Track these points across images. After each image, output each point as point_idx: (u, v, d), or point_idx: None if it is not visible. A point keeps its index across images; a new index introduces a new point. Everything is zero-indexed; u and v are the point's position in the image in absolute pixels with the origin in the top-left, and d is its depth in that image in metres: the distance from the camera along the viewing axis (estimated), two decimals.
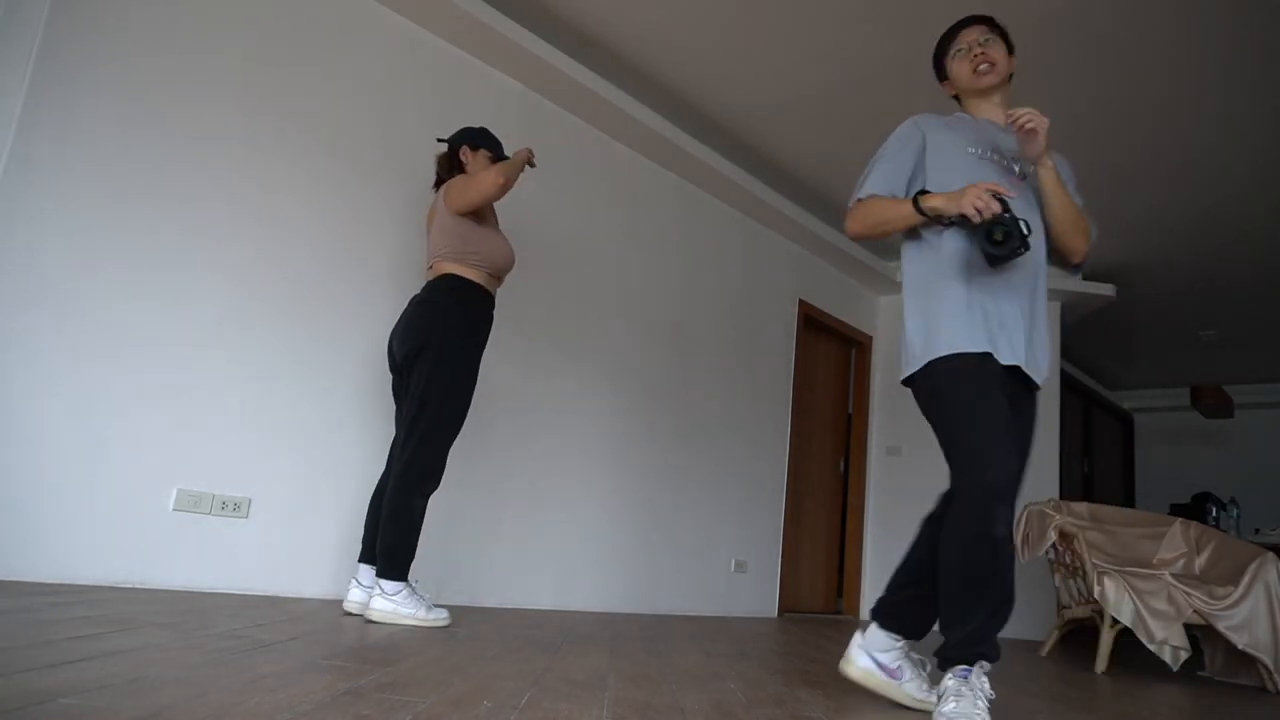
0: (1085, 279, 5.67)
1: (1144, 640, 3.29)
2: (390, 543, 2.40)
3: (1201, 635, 3.56)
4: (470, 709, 1.28)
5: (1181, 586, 3.36)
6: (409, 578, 2.43)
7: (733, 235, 4.79)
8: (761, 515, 4.80)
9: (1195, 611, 3.30)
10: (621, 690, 1.64)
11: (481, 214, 2.61)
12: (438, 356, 2.47)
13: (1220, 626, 3.26)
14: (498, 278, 2.65)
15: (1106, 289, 5.63)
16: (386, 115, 3.20)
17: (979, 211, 1.69)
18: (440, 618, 2.41)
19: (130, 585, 2.42)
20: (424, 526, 3.27)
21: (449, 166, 2.77)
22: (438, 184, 2.79)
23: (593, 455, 3.86)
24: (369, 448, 3.03)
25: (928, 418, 1.88)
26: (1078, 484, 7.02)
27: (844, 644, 2.07)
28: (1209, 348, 6.98)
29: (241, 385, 2.72)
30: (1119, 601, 3.36)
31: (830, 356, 5.79)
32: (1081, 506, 4.00)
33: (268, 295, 2.82)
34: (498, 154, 2.77)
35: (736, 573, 4.50)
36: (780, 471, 4.98)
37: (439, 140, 2.82)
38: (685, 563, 4.23)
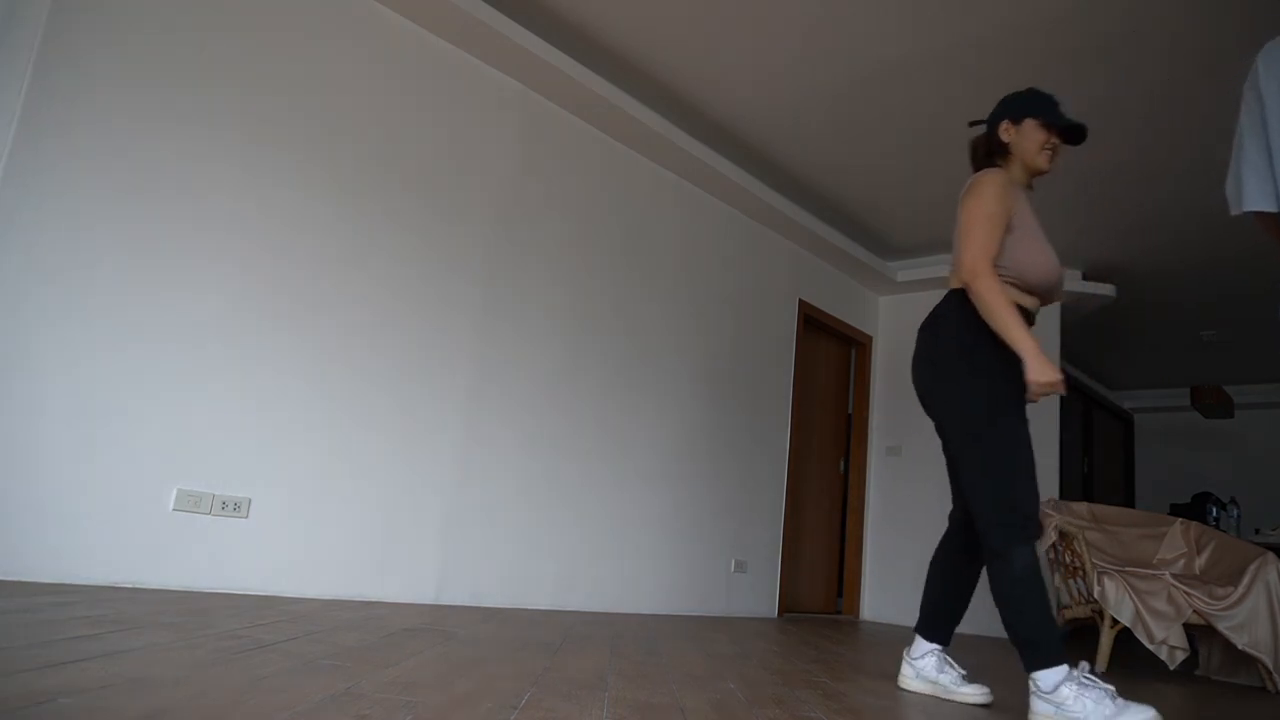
0: (1085, 279, 5.68)
1: (1143, 640, 3.29)
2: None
3: (1198, 635, 3.56)
4: (470, 709, 1.28)
5: (1181, 586, 3.36)
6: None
7: (733, 235, 4.79)
8: (761, 515, 4.80)
9: (1195, 612, 3.30)
10: (621, 690, 1.64)
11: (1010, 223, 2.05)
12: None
13: (1220, 627, 3.26)
14: (1034, 294, 2.10)
15: (1106, 289, 5.63)
16: (386, 115, 3.20)
17: None
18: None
19: (130, 585, 2.42)
20: (424, 527, 3.27)
21: (986, 151, 2.23)
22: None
23: (592, 455, 3.86)
24: (369, 447, 3.03)
25: None
26: (1078, 484, 7.02)
27: (844, 643, 2.06)
28: (1209, 348, 6.98)
29: (242, 385, 2.73)
30: (1119, 601, 3.37)
31: (830, 356, 5.79)
32: (1081, 506, 4.00)
33: (268, 295, 2.82)
34: (1049, 118, 2.11)
35: (736, 573, 4.51)
36: (780, 471, 4.98)
37: (971, 124, 2.32)
38: (685, 563, 4.23)
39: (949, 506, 5.49)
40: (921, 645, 2.26)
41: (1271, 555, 3.44)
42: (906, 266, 5.82)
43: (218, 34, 2.76)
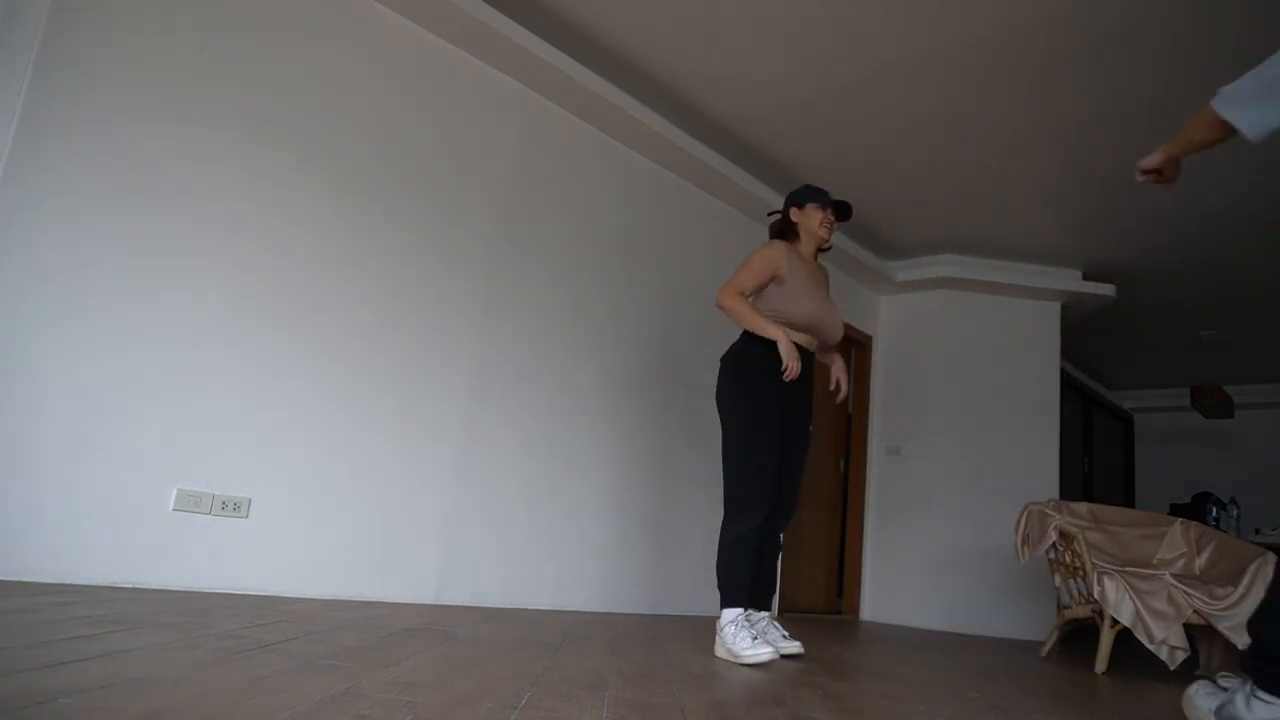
0: (1085, 279, 5.69)
1: (1144, 640, 3.29)
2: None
3: (1198, 635, 3.56)
4: (470, 709, 1.28)
5: (1181, 586, 3.36)
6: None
7: (733, 235, 4.78)
8: None
9: (1195, 612, 3.30)
10: (621, 690, 1.64)
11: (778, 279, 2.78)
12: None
13: (1220, 627, 3.26)
14: (803, 331, 2.78)
15: (1106, 289, 5.63)
16: (386, 115, 3.20)
17: None
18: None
19: (130, 585, 2.42)
20: (424, 527, 3.29)
21: (779, 232, 2.97)
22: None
23: (593, 455, 3.86)
24: (369, 447, 3.03)
25: None
26: (1078, 484, 7.02)
27: (844, 643, 2.06)
28: (1209, 348, 6.98)
29: (242, 385, 2.73)
30: (1119, 601, 3.37)
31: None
32: (1081, 506, 4.00)
33: (268, 295, 2.82)
34: (823, 201, 2.88)
35: None
36: None
37: (769, 215, 3.07)
38: (685, 563, 4.23)
39: (949, 506, 5.50)
40: (753, 614, 2.77)
41: (1271, 555, 3.44)
42: (906, 266, 5.82)
43: (218, 34, 2.76)
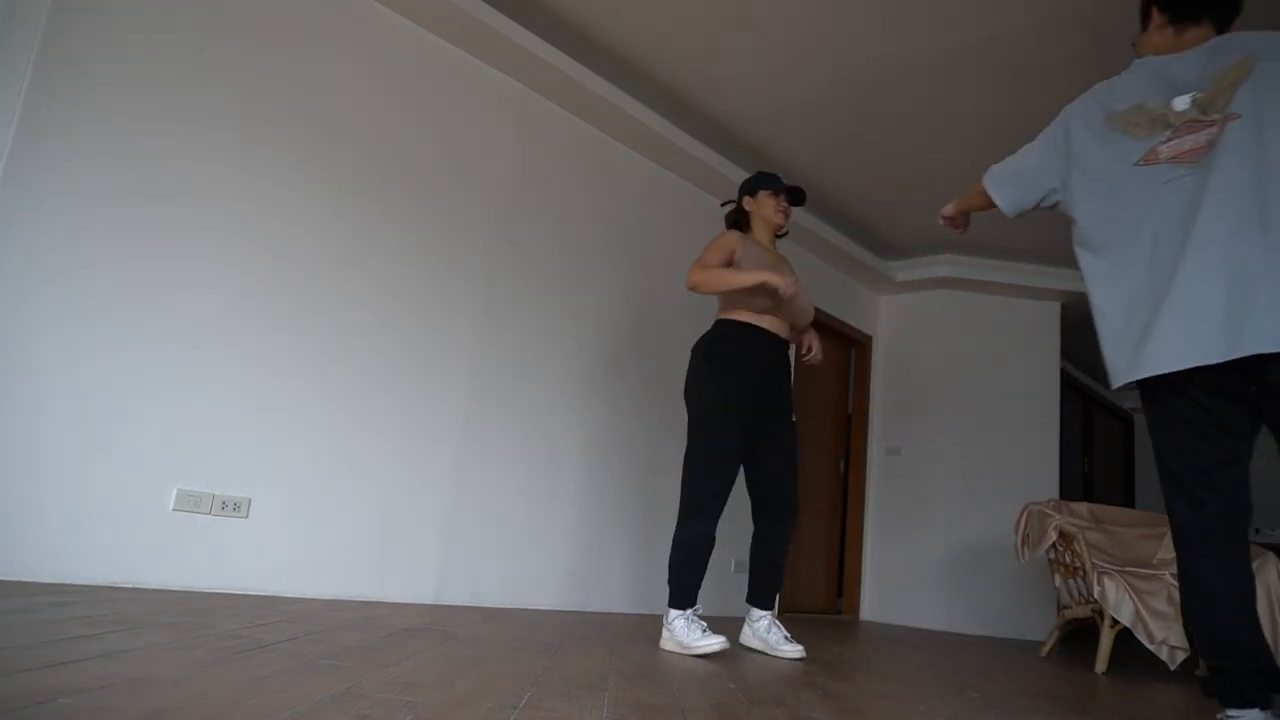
0: None
1: (1143, 640, 3.29)
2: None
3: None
4: (470, 709, 1.28)
5: None
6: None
7: None
8: None
9: None
10: (621, 690, 1.64)
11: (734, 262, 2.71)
12: None
13: None
14: (765, 313, 2.74)
15: None
16: (386, 115, 3.20)
17: None
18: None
19: (130, 585, 2.42)
20: (424, 527, 3.29)
21: (734, 222, 2.94)
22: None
23: (594, 454, 3.86)
24: (369, 447, 3.03)
25: None
26: (1078, 484, 7.02)
27: (844, 643, 2.06)
28: None
29: (242, 385, 2.73)
30: (1119, 601, 3.37)
31: (830, 356, 5.79)
32: (1081, 506, 4.00)
33: (268, 295, 2.82)
34: (775, 186, 2.86)
35: (737, 572, 4.50)
36: None
37: (723, 204, 3.06)
38: None
39: (949, 507, 5.50)
40: (755, 611, 2.80)
41: (1271, 555, 3.44)
42: (906, 266, 5.82)
43: (218, 34, 2.76)
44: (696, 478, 2.59)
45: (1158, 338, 1.62)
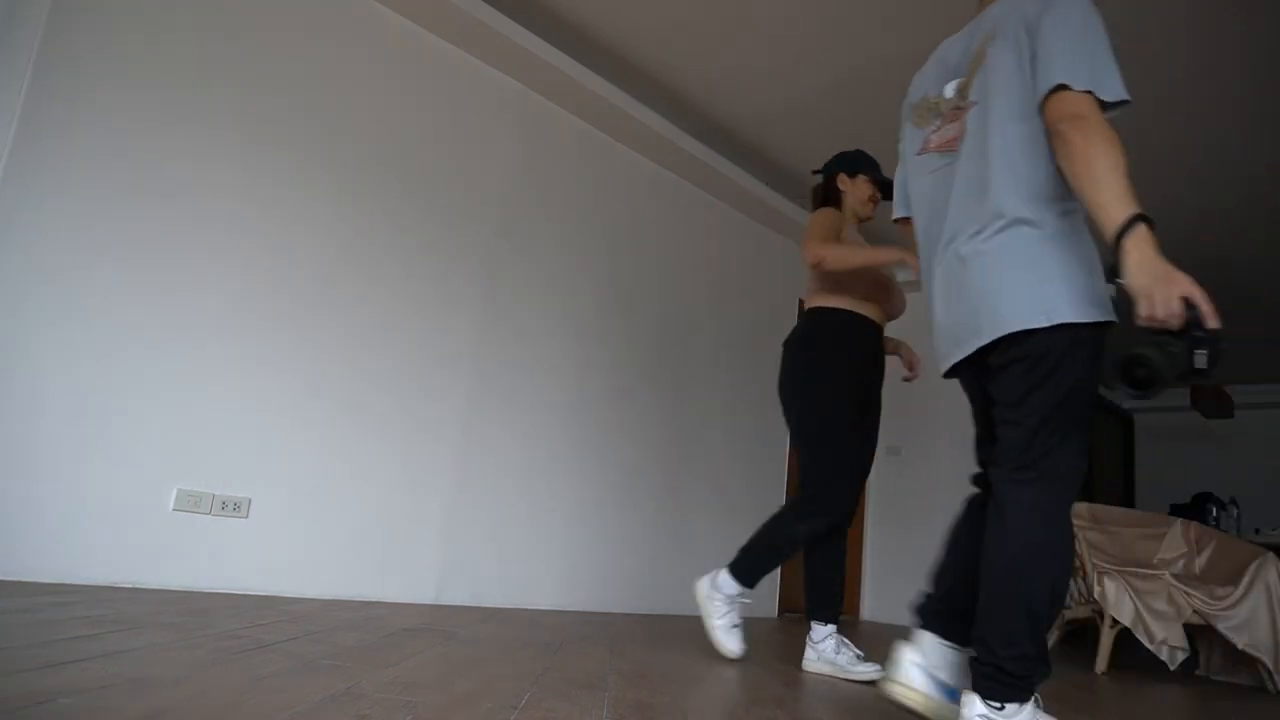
0: None
1: (1143, 640, 3.29)
2: None
3: (1198, 635, 3.56)
4: (470, 709, 1.28)
5: (1181, 587, 3.36)
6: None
7: (733, 234, 4.79)
8: (762, 515, 4.78)
9: (1195, 612, 3.30)
10: (621, 690, 1.63)
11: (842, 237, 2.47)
12: None
13: (1220, 627, 3.26)
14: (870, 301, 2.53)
15: (1107, 289, 5.62)
16: (386, 115, 3.20)
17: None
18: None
19: (130, 585, 2.42)
20: (424, 527, 3.29)
21: (824, 198, 2.69)
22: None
23: (593, 455, 3.85)
24: (369, 447, 3.03)
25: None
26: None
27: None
28: None
29: (242, 385, 2.72)
30: (1119, 601, 3.36)
31: None
32: (1081, 506, 3.99)
33: (268, 295, 2.82)
34: (876, 175, 2.65)
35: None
36: (780, 471, 4.98)
37: (813, 173, 2.79)
38: (685, 563, 4.22)
39: (949, 507, 5.49)
40: (819, 630, 2.44)
41: (1271, 555, 3.44)
42: (906, 266, 5.80)
43: (218, 34, 2.76)
44: (825, 476, 2.45)
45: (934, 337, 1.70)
